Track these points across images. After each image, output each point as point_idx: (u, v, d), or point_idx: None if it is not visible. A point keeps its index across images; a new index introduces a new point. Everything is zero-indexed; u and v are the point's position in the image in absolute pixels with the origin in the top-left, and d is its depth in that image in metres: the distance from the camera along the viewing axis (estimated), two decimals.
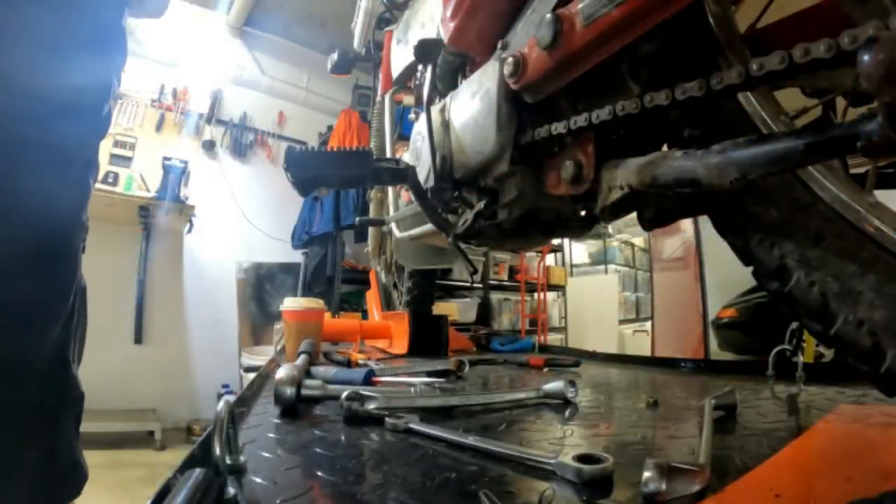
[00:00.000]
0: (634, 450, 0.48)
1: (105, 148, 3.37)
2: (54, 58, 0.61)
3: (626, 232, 5.89)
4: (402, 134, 1.38)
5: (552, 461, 0.39)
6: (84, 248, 0.70)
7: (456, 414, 0.63)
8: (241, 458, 0.40)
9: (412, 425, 0.52)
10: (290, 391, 0.62)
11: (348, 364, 1.03)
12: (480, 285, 4.03)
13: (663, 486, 0.32)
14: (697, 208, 0.58)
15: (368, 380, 0.81)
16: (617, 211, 0.57)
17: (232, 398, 0.49)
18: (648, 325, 4.30)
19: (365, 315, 2.63)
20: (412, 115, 1.18)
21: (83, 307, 0.71)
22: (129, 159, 3.46)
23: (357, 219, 2.03)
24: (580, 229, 0.82)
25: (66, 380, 0.66)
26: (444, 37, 0.77)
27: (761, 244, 0.49)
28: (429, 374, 0.94)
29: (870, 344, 0.40)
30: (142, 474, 2.53)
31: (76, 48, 0.63)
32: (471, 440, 0.46)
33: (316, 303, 1.20)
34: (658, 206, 0.60)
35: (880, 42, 0.27)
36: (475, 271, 1.04)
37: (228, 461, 0.38)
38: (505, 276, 4.27)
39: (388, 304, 2.01)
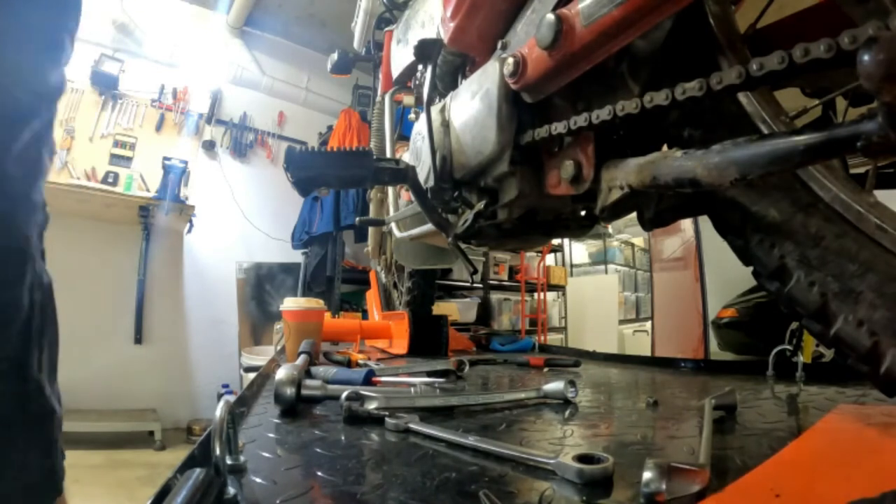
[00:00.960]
0: (634, 450, 0.48)
1: (105, 148, 3.38)
2: None
3: (626, 232, 5.89)
4: (402, 134, 1.38)
5: (552, 461, 0.39)
6: (42, 236, 0.60)
7: (456, 414, 0.63)
8: (241, 458, 0.40)
9: (412, 425, 0.52)
10: (290, 391, 0.62)
11: (348, 364, 1.03)
12: (480, 285, 4.03)
13: (663, 486, 0.32)
14: (697, 208, 0.58)
15: (368, 380, 0.81)
16: (617, 211, 0.57)
17: (232, 398, 0.49)
18: (648, 325, 4.31)
19: (365, 315, 2.64)
20: (412, 115, 1.18)
21: (49, 306, 0.61)
22: (129, 159, 3.46)
23: (357, 219, 2.03)
24: (580, 229, 0.82)
25: (24, 394, 0.56)
26: (444, 37, 0.77)
27: (761, 244, 0.49)
28: (429, 374, 0.94)
29: (870, 344, 0.40)
30: (142, 474, 2.53)
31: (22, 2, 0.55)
32: (471, 440, 0.46)
33: (316, 303, 1.20)
34: (658, 207, 0.60)
35: (880, 42, 0.27)
36: (475, 271, 1.04)
37: (228, 461, 0.38)
38: (505, 276, 4.27)
39: (388, 304, 2.01)
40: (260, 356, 3.16)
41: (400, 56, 1.12)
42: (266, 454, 0.46)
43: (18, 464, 0.55)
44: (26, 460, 0.56)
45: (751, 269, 0.51)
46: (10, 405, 0.55)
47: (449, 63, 0.81)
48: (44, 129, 0.59)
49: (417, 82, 1.14)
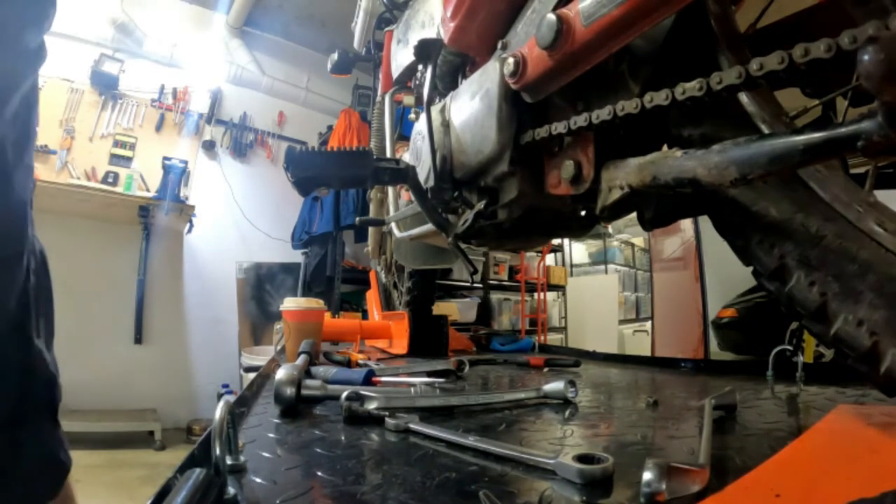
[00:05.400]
0: (634, 450, 0.48)
1: (105, 148, 3.38)
2: None
3: (626, 232, 5.89)
4: (402, 134, 1.38)
5: (552, 461, 0.39)
6: (31, 202, 0.58)
7: (456, 414, 0.63)
8: (241, 458, 0.40)
9: (412, 425, 0.52)
10: (290, 391, 0.62)
11: (348, 364, 1.03)
12: (480, 285, 4.03)
13: (663, 486, 0.32)
14: (697, 208, 0.58)
15: (368, 380, 0.81)
16: (617, 211, 0.57)
17: (232, 398, 0.49)
18: (648, 325, 4.31)
19: (365, 315, 2.64)
20: (412, 115, 1.18)
21: (42, 273, 0.59)
22: (130, 159, 3.46)
23: (357, 219, 2.02)
24: (580, 229, 0.82)
25: (30, 360, 0.55)
26: (445, 37, 0.77)
27: (761, 244, 0.49)
28: (429, 374, 0.94)
29: (870, 344, 0.40)
30: (142, 474, 2.53)
31: None
32: (471, 440, 0.46)
33: (316, 303, 1.20)
34: (658, 207, 0.60)
35: (880, 42, 0.27)
36: (475, 271, 1.04)
37: (228, 461, 0.38)
38: (505, 276, 4.27)
39: (388, 304, 2.01)
40: (260, 356, 3.16)
41: (400, 56, 1.12)
42: (266, 454, 0.46)
43: (30, 436, 0.54)
44: (41, 434, 0.56)
45: (751, 269, 0.51)
46: (15, 375, 0.53)
47: (449, 63, 0.81)
48: (31, 93, 0.57)
49: (417, 82, 1.14)
